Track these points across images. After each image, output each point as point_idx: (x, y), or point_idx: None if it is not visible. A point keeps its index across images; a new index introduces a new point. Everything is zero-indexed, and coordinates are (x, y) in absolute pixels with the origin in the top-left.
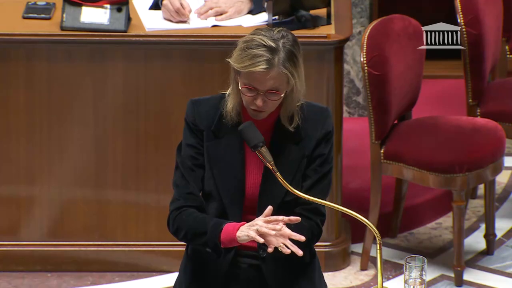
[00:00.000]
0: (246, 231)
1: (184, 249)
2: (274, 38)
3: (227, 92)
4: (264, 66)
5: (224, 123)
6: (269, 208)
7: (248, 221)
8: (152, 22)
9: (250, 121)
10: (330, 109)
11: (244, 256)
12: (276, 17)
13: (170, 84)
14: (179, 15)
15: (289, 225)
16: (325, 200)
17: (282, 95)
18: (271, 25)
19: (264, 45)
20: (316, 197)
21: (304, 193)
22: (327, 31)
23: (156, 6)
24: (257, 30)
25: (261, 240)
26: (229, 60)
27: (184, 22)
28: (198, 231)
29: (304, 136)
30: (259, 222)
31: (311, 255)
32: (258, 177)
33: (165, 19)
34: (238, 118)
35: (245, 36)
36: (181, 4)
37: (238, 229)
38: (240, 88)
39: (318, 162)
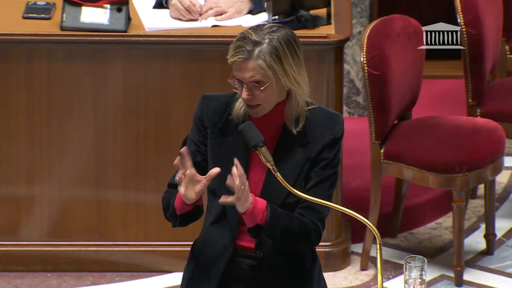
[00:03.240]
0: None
1: (185, 249)
2: (263, 32)
3: None
4: (241, 56)
5: (231, 122)
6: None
7: None
8: (152, 22)
9: (250, 121)
10: (341, 116)
11: (243, 256)
12: (276, 17)
13: (170, 84)
14: (190, 13)
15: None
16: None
17: (262, 89)
18: None
19: (249, 37)
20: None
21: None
22: (327, 31)
23: (160, 5)
24: (252, 26)
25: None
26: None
27: (195, 20)
28: (167, 203)
29: (311, 139)
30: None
31: (312, 259)
32: (261, 177)
33: (174, 18)
34: (244, 117)
35: None
36: (191, 1)
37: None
38: (228, 80)
39: (321, 165)
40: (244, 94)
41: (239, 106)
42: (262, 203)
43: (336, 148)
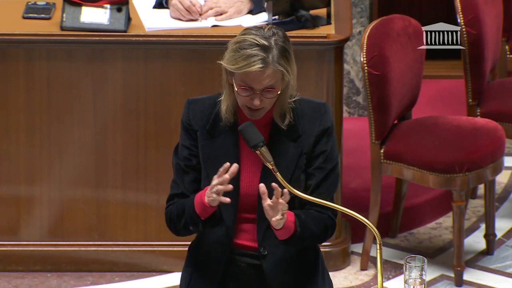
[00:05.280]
0: (209, 194)
1: (184, 248)
2: (266, 36)
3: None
4: (260, 65)
5: (219, 123)
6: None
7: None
8: (152, 22)
9: (250, 121)
10: (328, 104)
11: (244, 255)
12: (276, 17)
13: (170, 84)
14: (190, 13)
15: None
16: (332, 195)
17: (278, 92)
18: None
19: (257, 44)
20: (323, 195)
21: (311, 192)
22: (327, 31)
23: (160, 5)
24: (246, 29)
25: (226, 200)
26: (221, 62)
27: (195, 20)
28: (179, 212)
29: (301, 133)
30: (214, 182)
31: (315, 252)
32: (254, 176)
33: (174, 18)
34: (233, 118)
35: (235, 37)
36: (191, 1)
37: (204, 195)
38: (236, 89)
39: (321, 160)
40: (257, 101)
41: (225, 109)
42: (290, 215)
43: (331, 139)
